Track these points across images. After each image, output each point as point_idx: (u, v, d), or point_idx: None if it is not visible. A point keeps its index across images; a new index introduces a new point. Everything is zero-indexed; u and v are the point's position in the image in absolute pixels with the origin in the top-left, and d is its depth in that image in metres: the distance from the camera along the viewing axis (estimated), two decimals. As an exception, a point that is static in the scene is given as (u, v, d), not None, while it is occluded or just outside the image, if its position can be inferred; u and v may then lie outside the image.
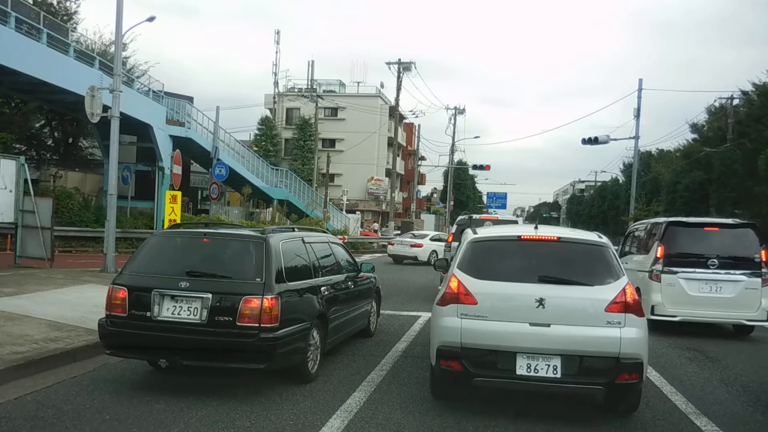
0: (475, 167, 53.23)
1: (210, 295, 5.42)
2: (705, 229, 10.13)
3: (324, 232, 9.01)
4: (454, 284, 5.27)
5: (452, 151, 54.74)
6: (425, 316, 10.22)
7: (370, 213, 52.84)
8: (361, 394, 5.77)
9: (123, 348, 5.79)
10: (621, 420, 5.31)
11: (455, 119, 52.75)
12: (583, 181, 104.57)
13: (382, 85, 54.65)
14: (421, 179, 60.65)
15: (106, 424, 4.78)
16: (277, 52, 53.66)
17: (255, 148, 42.01)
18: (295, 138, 51.55)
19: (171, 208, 15.95)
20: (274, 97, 54.44)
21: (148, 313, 5.52)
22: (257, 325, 5.34)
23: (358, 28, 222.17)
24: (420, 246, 25.22)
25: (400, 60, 41.50)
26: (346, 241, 26.63)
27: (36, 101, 24.98)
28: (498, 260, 5.46)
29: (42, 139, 31.75)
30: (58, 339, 7.04)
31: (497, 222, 14.69)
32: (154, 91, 25.84)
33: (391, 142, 54.29)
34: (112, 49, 21.09)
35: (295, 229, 7.25)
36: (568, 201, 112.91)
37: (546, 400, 5.59)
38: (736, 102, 35.57)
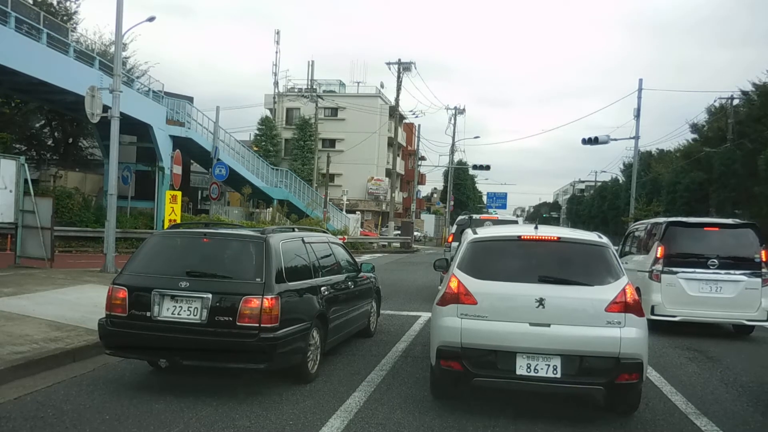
0: (475, 167, 53.27)
1: (210, 295, 5.42)
2: (705, 229, 10.13)
3: (324, 232, 9.01)
4: (454, 284, 5.27)
5: (452, 151, 54.73)
6: (425, 316, 10.22)
7: (370, 213, 52.86)
8: (361, 394, 5.77)
9: (123, 348, 5.79)
10: (621, 420, 5.31)
11: (455, 119, 52.76)
12: (583, 181, 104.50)
13: (382, 85, 54.73)
14: (421, 179, 60.64)
15: (106, 424, 4.77)
16: (276, 52, 53.68)
17: (255, 148, 42.01)
18: (295, 138, 51.55)
19: (171, 208, 15.95)
20: (274, 97, 54.46)
21: (148, 313, 5.52)
22: (257, 325, 5.34)
23: (358, 29, 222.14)
24: None
25: (399, 60, 41.53)
26: (346, 241, 26.67)
27: (36, 101, 25.00)
28: (498, 260, 5.46)
29: (42, 139, 31.78)
30: (58, 339, 7.04)
31: (497, 222, 14.69)
32: (154, 91, 25.83)
33: (391, 142, 54.31)
34: (112, 49, 21.09)
35: (295, 229, 7.25)
36: (568, 201, 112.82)
37: (546, 400, 5.59)
38: (736, 102, 35.58)
